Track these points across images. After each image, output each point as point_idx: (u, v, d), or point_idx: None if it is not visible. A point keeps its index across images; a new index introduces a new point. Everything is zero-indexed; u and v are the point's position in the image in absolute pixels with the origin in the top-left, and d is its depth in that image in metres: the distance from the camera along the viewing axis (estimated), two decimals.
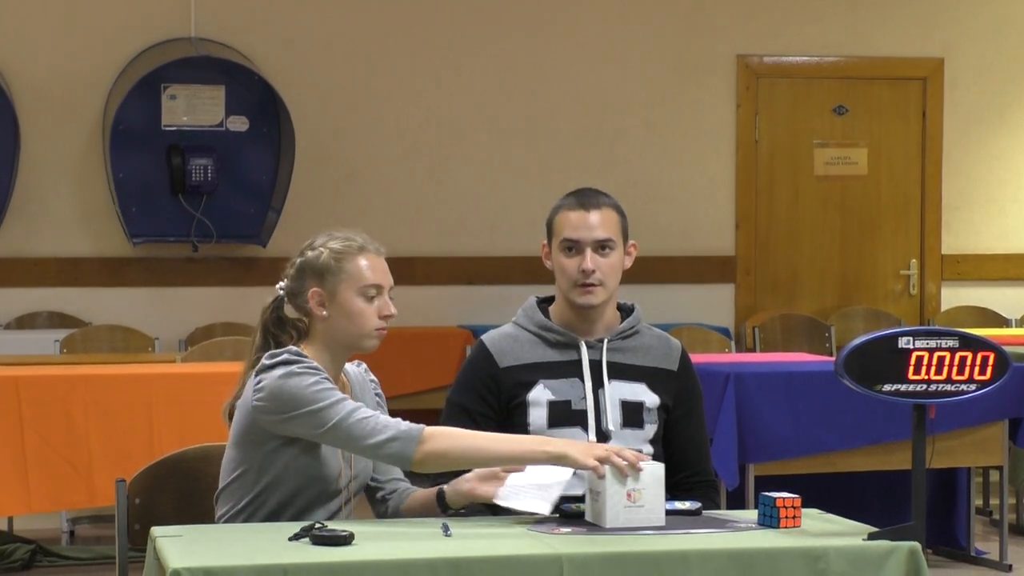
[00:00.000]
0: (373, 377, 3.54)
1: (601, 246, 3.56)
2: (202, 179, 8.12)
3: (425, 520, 3.26)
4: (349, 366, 3.49)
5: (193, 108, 8.22)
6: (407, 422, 3.22)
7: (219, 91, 8.23)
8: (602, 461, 3.07)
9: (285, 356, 3.27)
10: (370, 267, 3.36)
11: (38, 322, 8.12)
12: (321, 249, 3.37)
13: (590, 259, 3.54)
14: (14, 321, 8.12)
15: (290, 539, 2.97)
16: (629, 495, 3.08)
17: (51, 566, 6.20)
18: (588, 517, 3.15)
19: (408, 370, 7.61)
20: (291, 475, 3.28)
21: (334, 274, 3.34)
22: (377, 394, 3.51)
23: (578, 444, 3.18)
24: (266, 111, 8.25)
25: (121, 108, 7.97)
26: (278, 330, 3.41)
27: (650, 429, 3.60)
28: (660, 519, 3.11)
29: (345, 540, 2.93)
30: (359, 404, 3.25)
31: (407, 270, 8.53)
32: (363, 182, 8.57)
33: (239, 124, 8.27)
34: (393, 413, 3.33)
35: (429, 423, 3.25)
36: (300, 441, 3.27)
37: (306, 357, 3.29)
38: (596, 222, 3.55)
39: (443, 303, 8.53)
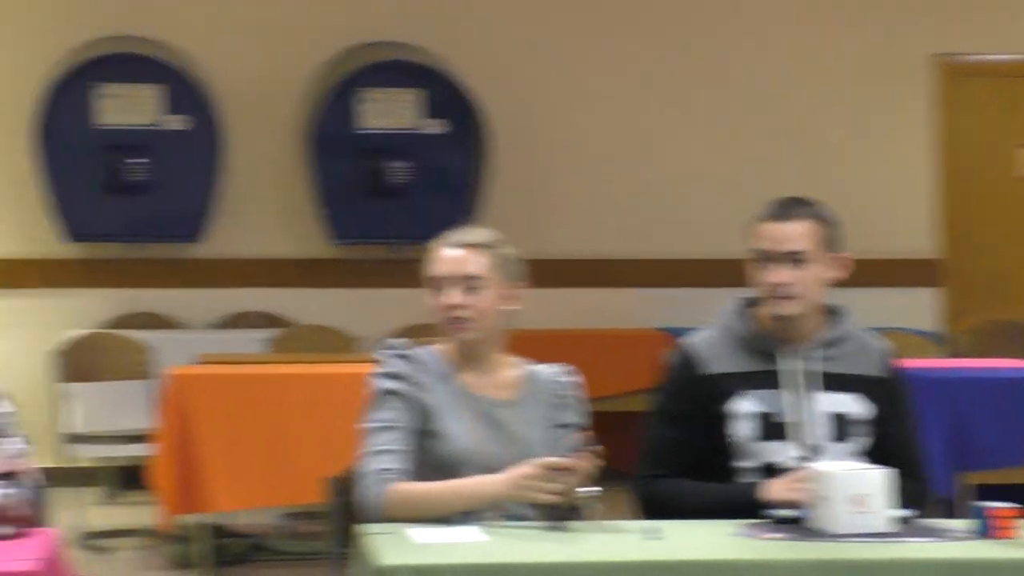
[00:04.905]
0: (569, 379, 3.42)
1: (792, 258, 3.46)
2: (400, 181, 8.25)
3: (625, 523, 3.21)
4: (541, 367, 3.44)
5: (387, 111, 8.33)
6: (385, 468, 3.22)
7: (413, 95, 8.33)
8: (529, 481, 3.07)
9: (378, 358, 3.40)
10: (433, 261, 3.41)
11: (246, 322, 8.30)
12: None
13: (779, 272, 3.44)
14: (221, 320, 8.34)
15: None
16: (856, 501, 3.04)
17: (265, 560, 6.35)
18: (812, 524, 3.09)
19: (605, 372, 7.55)
20: (429, 462, 3.29)
21: (424, 270, 3.43)
22: (560, 396, 3.39)
23: (505, 479, 3.13)
24: (462, 114, 8.32)
25: (320, 112, 8.12)
26: None
27: (859, 442, 3.49)
28: (886, 525, 3.05)
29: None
30: (381, 445, 3.25)
31: (604, 272, 8.55)
32: (558, 183, 8.60)
33: (435, 127, 8.36)
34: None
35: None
36: (423, 428, 3.30)
37: (395, 350, 3.38)
38: (789, 234, 3.45)
39: (640, 305, 8.51)
